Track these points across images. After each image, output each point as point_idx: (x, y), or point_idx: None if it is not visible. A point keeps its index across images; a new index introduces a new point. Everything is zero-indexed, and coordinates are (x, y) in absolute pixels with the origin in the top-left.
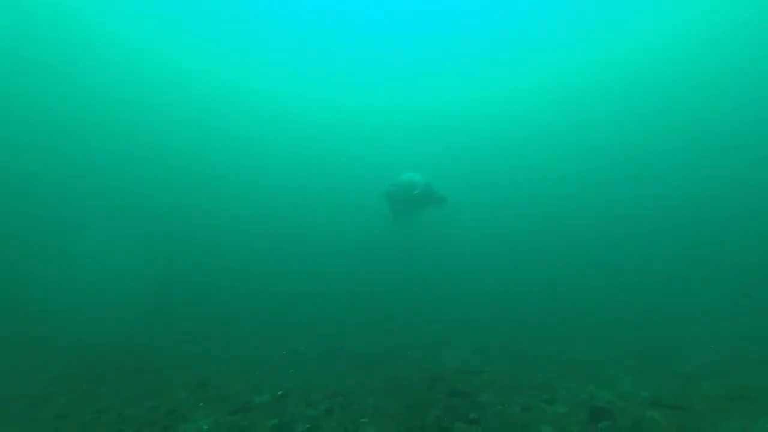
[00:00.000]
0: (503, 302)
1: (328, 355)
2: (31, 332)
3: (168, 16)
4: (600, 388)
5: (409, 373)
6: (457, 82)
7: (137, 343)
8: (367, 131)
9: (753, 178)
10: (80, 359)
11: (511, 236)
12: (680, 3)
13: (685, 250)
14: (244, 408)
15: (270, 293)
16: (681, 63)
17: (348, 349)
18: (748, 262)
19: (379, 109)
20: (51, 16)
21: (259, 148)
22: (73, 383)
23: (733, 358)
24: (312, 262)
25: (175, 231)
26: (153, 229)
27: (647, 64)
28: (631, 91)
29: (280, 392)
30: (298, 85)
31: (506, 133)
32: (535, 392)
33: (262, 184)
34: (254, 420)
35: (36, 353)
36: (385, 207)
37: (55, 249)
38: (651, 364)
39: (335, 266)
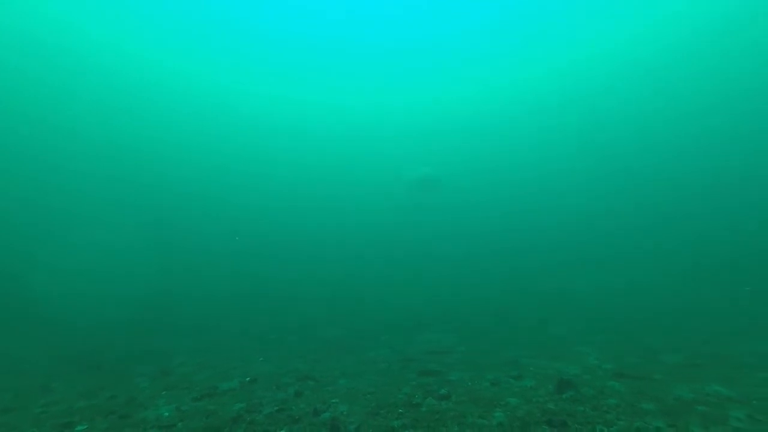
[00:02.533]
0: (483, 289)
1: (300, 343)
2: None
3: (166, 25)
4: (567, 364)
5: (383, 356)
6: (446, 82)
7: (102, 342)
8: (357, 133)
9: (730, 176)
10: (37, 360)
11: (490, 233)
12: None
13: (648, 240)
14: (209, 394)
15: (247, 293)
16: (669, 58)
17: (322, 335)
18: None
19: (376, 110)
20: (53, 30)
21: (242, 153)
22: (24, 380)
23: (691, 332)
24: (293, 261)
25: (164, 236)
26: (143, 234)
27: (645, 55)
28: (626, 87)
29: (248, 378)
30: (293, 90)
31: (499, 132)
32: (505, 369)
33: (243, 190)
34: (220, 405)
35: None
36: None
37: (41, 259)
38: (615, 340)
39: (316, 264)
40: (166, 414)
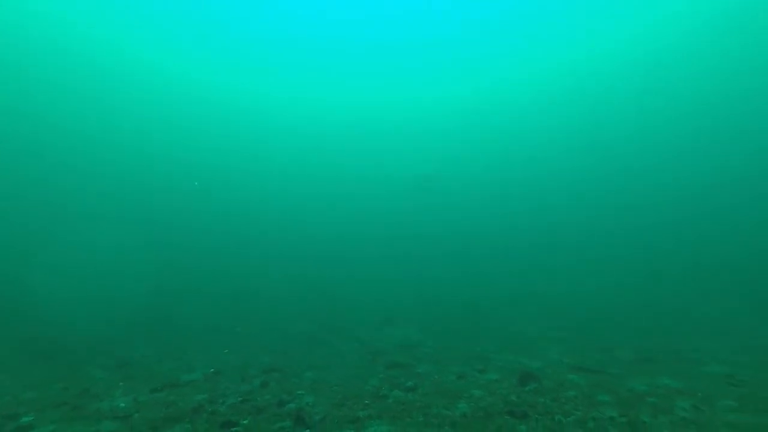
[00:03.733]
0: (463, 288)
1: (267, 335)
2: None
3: (167, 26)
4: (530, 358)
5: (351, 349)
6: (445, 81)
7: (54, 331)
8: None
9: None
10: None
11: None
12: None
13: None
14: (170, 385)
15: (223, 291)
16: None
17: (290, 329)
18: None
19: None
20: (54, 28)
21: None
22: None
23: (645, 329)
24: (270, 259)
25: (150, 233)
26: (130, 232)
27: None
28: (626, 87)
29: (212, 370)
30: (290, 89)
31: (498, 132)
32: (471, 363)
33: (227, 189)
34: (180, 396)
35: None
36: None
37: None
38: (577, 337)
39: (292, 261)
40: (123, 405)
